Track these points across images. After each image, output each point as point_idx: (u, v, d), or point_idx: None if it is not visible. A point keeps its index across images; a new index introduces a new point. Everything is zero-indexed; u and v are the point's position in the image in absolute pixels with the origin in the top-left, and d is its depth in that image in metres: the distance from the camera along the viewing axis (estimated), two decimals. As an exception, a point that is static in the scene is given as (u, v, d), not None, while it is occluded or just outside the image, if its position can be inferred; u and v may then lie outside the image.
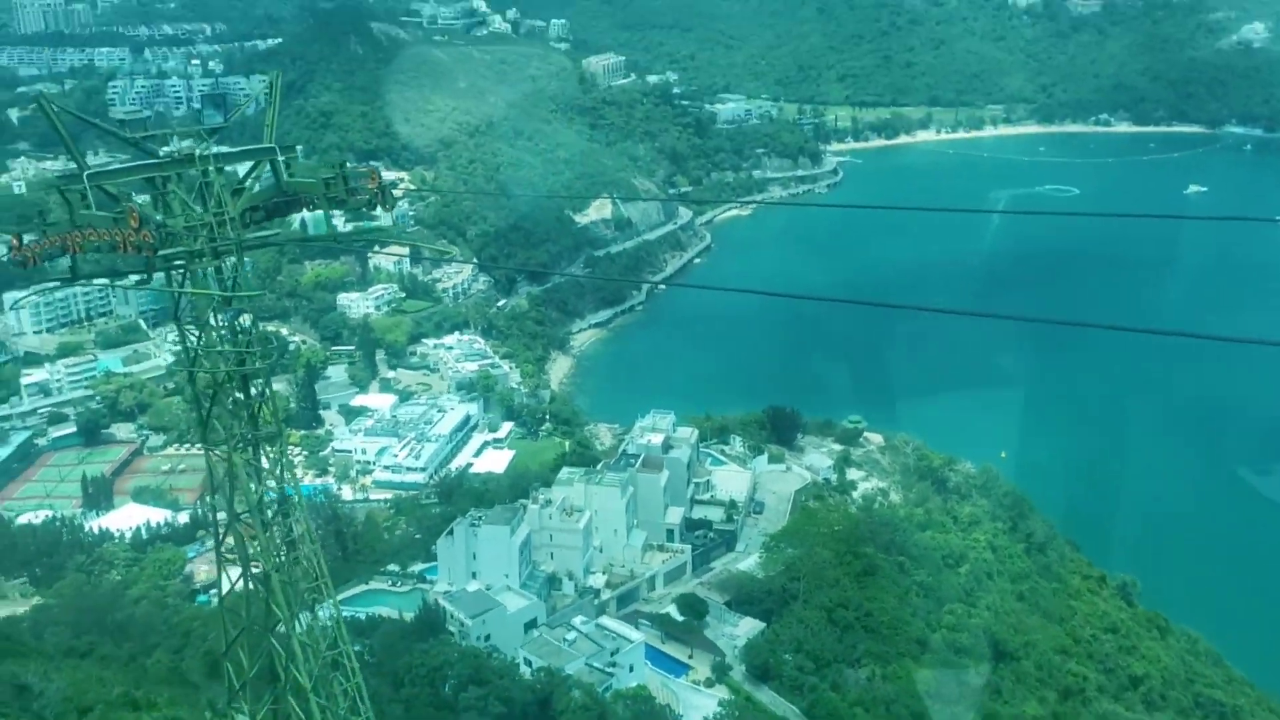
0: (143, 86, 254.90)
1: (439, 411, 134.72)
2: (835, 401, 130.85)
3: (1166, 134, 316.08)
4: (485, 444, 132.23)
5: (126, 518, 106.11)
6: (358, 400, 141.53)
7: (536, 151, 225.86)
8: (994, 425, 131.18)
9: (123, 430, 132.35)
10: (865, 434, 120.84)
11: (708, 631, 77.72)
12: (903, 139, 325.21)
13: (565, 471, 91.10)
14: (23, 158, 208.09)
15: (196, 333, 23.24)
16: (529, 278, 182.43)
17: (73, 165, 22.20)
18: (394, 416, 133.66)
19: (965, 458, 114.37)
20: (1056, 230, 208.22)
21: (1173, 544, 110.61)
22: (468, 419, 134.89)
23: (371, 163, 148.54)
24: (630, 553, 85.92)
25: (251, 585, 24.77)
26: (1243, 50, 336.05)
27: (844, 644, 74.36)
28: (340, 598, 30.07)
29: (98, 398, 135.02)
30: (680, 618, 78.54)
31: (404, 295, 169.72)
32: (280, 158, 22.85)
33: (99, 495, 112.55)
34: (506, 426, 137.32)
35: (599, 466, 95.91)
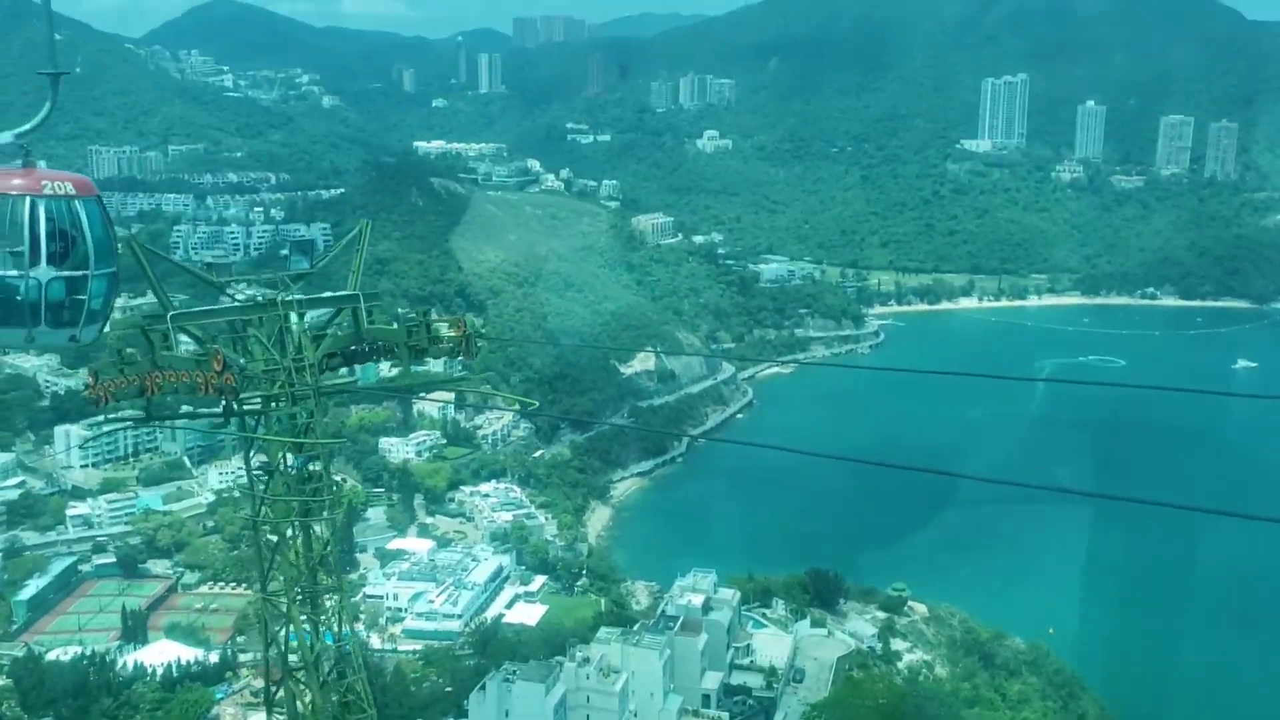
0: (204, 232, 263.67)
1: (474, 560, 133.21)
2: (877, 565, 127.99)
3: (1213, 309, 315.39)
4: (516, 596, 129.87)
5: (159, 653, 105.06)
6: (394, 544, 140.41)
7: (584, 303, 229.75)
8: (1042, 598, 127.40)
9: (158, 566, 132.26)
10: (909, 603, 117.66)
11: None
12: (945, 305, 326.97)
13: (603, 631, 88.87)
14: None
15: (265, 478, 22.93)
16: (572, 426, 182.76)
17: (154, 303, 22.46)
18: (431, 561, 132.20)
19: (1012, 631, 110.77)
20: (1103, 401, 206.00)
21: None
22: (500, 569, 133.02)
23: (431, 309, 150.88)
24: (666, 718, 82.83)
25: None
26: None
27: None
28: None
29: (136, 535, 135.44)
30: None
31: (445, 441, 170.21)
32: (363, 305, 22.98)
33: (136, 629, 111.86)
34: (539, 580, 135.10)
35: (636, 627, 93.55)
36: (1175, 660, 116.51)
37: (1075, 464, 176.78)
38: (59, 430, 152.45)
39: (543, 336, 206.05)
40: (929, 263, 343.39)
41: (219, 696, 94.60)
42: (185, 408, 25.08)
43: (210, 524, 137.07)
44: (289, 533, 22.46)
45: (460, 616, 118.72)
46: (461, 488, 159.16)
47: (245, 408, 21.97)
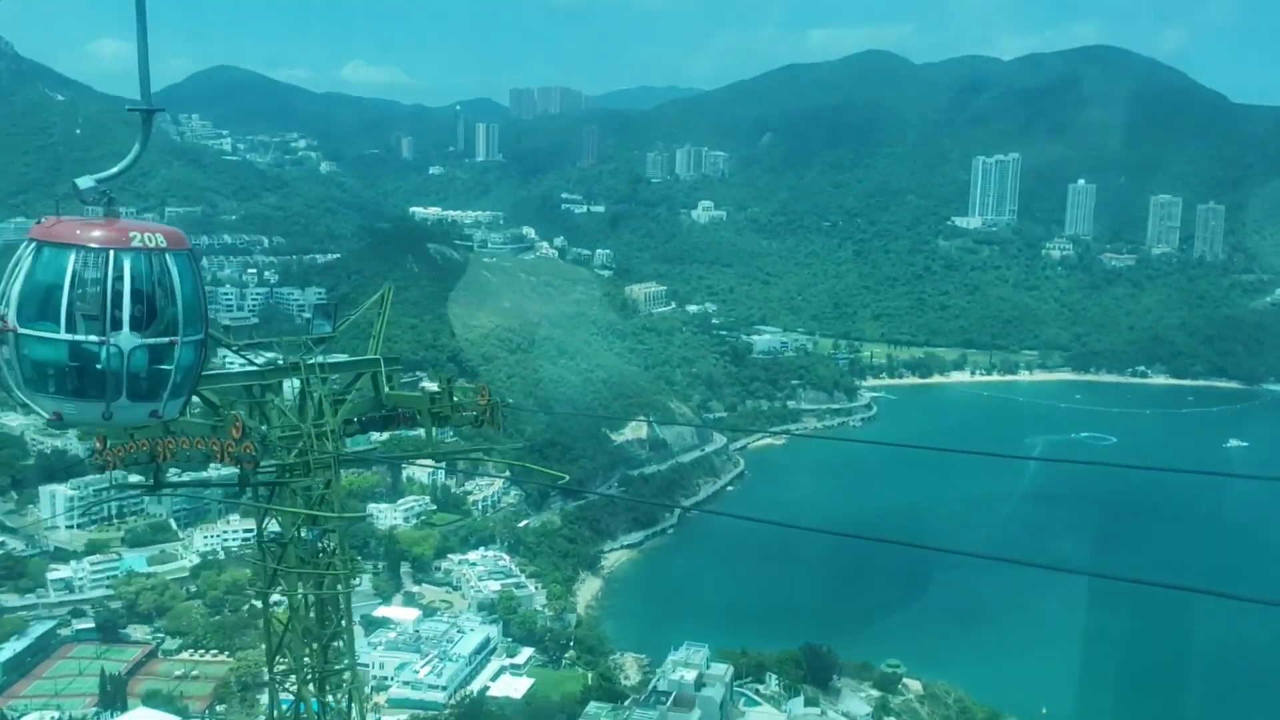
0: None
1: (459, 631, 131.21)
2: (870, 639, 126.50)
3: (1204, 388, 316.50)
4: (502, 669, 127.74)
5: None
6: (380, 611, 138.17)
7: (577, 370, 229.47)
8: (1035, 675, 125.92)
9: (139, 631, 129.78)
10: (904, 680, 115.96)
11: None
12: (936, 378, 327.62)
13: (593, 706, 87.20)
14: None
15: (277, 553, 22.04)
16: (562, 494, 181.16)
17: None
18: (417, 631, 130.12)
19: (1005, 710, 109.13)
20: (1094, 479, 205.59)
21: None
22: (487, 640, 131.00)
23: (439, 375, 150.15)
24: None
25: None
26: (1277, 310, 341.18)
27: None
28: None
29: (118, 598, 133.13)
30: None
31: (434, 507, 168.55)
32: (383, 369, 22.36)
33: (115, 695, 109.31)
34: (526, 652, 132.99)
35: (628, 702, 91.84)
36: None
37: (1067, 541, 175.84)
38: (44, 490, 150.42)
39: (534, 404, 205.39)
40: (920, 336, 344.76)
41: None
42: (173, 471, 24.34)
43: (193, 588, 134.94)
44: (302, 610, 21.60)
45: (445, 689, 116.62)
46: (449, 555, 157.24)
47: (260, 477, 21.22)
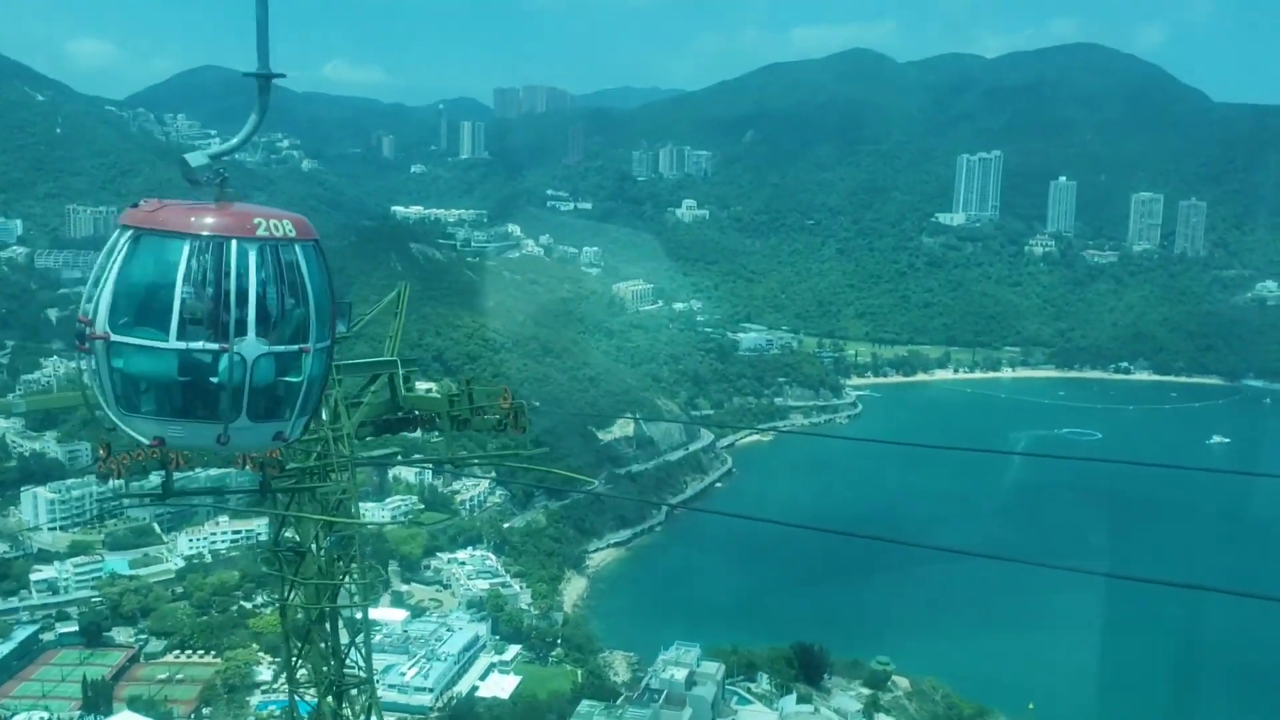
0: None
1: (448, 630, 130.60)
2: (860, 636, 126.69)
3: (1187, 384, 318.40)
4: (491, 666, 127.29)
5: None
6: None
7: (563, 369, 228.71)
8: (1020, 671, 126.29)
9: (123, 634, 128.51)
10: (893, 677, 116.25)
11: None
12: (920, 376, 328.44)
13: (585, 704, 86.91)
14: (55, 357, 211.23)
15: (295, 562, 21.23)
16: (547, 493, 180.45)
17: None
18: (405, 632, 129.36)
19: (993, 705, 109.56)
20: (1079, 474, 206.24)
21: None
22: (476, 639, 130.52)
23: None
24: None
25: None
26: (1258, 306, 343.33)
27: None
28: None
29: (102, 600, 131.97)
30: None
31: (422, 507, 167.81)
32: (400, 370, 21.65)
33: (99, 699, 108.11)
34: (514, 649, 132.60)
35: (620, 701, 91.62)
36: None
37: (1053, 536, 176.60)
38: (25, 492, 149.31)
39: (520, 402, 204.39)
40: (904, 334, 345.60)
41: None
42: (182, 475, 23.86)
43: (179, 590, 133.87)
44: (319, 621, 21.05)
45: (432, 690, 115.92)
46: (438, 554, 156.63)
47: (276, 484, 20.50)
